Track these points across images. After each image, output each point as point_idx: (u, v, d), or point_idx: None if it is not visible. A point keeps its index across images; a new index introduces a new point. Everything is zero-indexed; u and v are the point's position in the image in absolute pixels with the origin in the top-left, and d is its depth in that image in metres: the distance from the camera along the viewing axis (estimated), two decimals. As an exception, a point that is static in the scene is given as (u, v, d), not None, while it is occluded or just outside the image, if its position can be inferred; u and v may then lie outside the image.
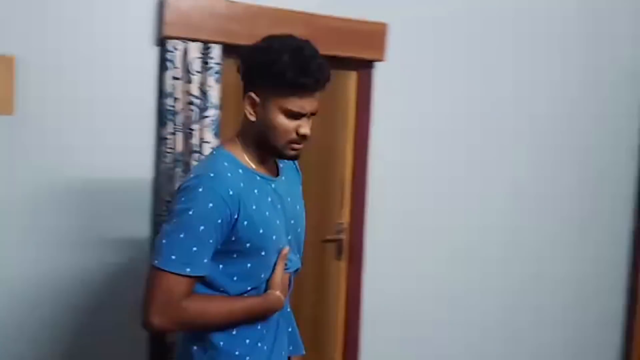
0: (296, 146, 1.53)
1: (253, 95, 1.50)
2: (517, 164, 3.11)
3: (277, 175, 1.64)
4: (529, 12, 3.04)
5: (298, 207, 1.70)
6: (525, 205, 3.16)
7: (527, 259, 3.20)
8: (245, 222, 1.46)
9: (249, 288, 1.53)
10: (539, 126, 3.15)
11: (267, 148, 1.54)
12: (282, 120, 1.49)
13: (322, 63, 1.47)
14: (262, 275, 1.54)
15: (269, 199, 1.55)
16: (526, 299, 3.23)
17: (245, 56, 1.53)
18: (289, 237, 1.62)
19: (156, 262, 1.41)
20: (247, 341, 1.54)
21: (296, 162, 1.75)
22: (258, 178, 1.54)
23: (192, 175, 1.48)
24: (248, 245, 1.48)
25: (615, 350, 3.57)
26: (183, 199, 1.42)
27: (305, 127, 1.51)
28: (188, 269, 1.40)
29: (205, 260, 1.43)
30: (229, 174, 1.46)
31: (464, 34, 2.88)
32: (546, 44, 3.10)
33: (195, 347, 1.54)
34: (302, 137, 1.52)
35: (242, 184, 1.48)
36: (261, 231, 1.49)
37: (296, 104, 1.48)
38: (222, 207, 1.41)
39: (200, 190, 1.41)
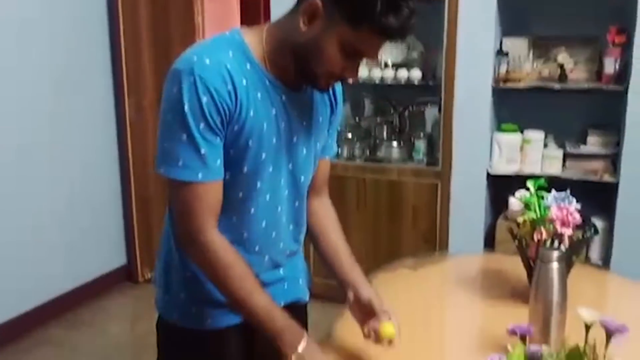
0: (332, 82, 1.27)
1: (319, 4, 1.16)
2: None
3: (298, 89, 1.31)
4: None
5: (305, 123, 1.35)
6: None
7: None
8: (236, 127, 1.20)
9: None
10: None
11: (297, 64, 1.23)
12: (336, 52, 1.17)
13: (414, 9, 1.15)
14: (240, 195, 1.28)
15: (273, 111, 1.26)
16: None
17: None
18: (290, 166, 1.33)
19: (162, 170, 1.20)
20: None
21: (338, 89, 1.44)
22: (267, 82, 1.25)
23: (185, 56, 1.19)
24: (231, 152, 1.23)
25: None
26: (174, 89, 1.17)
27: (354, 72, 1.23)
28: (200, 175, 1.18)
29: (219, 163, 1.20)
30: (227, 65, 1.18)
31: None
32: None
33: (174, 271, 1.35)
34: (344, 79, 1.25)
35: (244, 82, 1.20)
36: (250, 144, 1.23)
37: (364, 43, 1.17)
38: (218, 103, 1.16)
39: (192, 80, 1.15)
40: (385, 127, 3.41)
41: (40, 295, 3.25)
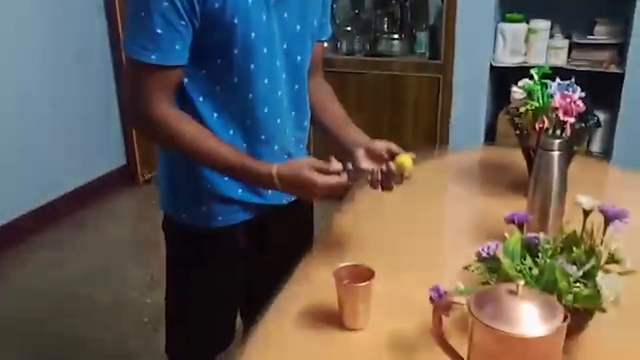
0: None
1: None
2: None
3: None
4: None
5: (286, 14, 1.24)
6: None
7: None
8: (217, 5, 1.13)
9: (215, 115, 1.24)
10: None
11: None
12: None
13: None
14: (235, 79, 1.21)
15: None
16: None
17: None
18: (285, 45, 1.26)
19: (125, 47, 1.18)
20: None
21: None
22: None
23: None
24: (216, 35, 1.16)
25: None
26: None
27: None
28: (153, 56, 1.13)
29: (179, 47, 1.15)
30: None
31: None
32: None
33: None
34: None
35: None
36: (236, 21, 1.15)
37: None
38: None
39: None
40: (386, 19, 3.27)
41: (39, 197, 3.26)
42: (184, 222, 1.36)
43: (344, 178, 1.16)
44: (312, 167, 1.15)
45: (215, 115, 1.25)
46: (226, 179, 1.28)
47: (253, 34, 1.18)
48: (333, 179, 1.15)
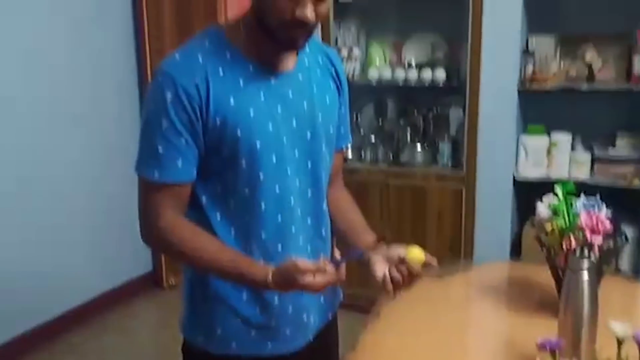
0: (292, 32, 1.16)
1: None
2: (6, 50, 2.91)
3: (291, 68, 1.27)
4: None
5: (306, 104, 1.27)
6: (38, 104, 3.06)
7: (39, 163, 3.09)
8: (219, 121, 1.17)
9: (232, 231, 1.25)
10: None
11: (262, 29, 1.17)
12: None
13: None
14: (246, 191, 1.23)
15: (262, 97, 1.21)
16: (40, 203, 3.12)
17: None
18: (296, 152, 1.26)
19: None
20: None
21: (333, 52, 1.39)
22: (251, 68, 1.21)
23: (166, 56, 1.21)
24: (224, 150, 1.19)
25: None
26: (150, 87, 1.20)
27: (303, 9, 1.11)
28: (156, 174, 1.18)
29: (180, 165, 1.18)
30: (199, 58, 1.17)
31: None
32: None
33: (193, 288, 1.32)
34: (299, 22, 1.13)
35: (221, 72, 1.18)
36: (239, 133, 1.18)
37: None
38: (184, 100, 1.15)
39: (160, 79, 1.17)
40: (408, 130, 3.36)
41: (64, 302, 3.25)
42: (200, 349, 1.33)
43: (329, 274, 1.16)
44: (301, 270, 1.14)
45: (233, 232, 1.26)
46: (244, 298, 1.28)
47: (258, 143, 1.21)
48: (324, 278, 1.15)
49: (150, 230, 1.24)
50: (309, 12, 1.12)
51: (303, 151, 1.28)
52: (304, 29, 1.15)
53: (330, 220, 1.41)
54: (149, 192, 1.22)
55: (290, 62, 1.26)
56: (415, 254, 1.23)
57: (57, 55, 3.16)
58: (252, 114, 1.19)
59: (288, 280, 1.15)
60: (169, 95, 1.15)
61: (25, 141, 3.01)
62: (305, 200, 1.31)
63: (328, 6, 1.19)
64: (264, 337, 1.31)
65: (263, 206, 1.25)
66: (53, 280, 3.17)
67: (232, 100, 1.18)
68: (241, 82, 1.20)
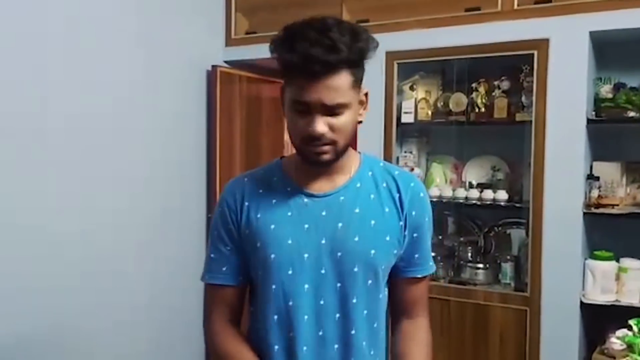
0: (312, 147, 1.23)
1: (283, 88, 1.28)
2: (89, 164, 2.99)
3: (333, 189, 1.32)
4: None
5: (341, 224, 1.29)
6: (99, 205, 3.07)
7: (104, 259, 3.11)
8: (248, 231, 1.33)
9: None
10: (102, 125, 3.07)
11: (296, 152, 1.31)
12: (292, 115, 1.23)
13: (316, 39, 1.14)
14: (266, 306, 1.31)
15: (289, 213, 1.30)
16: (105, 299, 3.12)
17: None
18: (322, 271, 1.28)
19: None
20: None
21: (405, 178, 1.39)
22: (289, 189, 1.33)
23: None
24: (251, 261, 1.34)
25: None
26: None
27: (313, 124, 1.19)
28: (207, 277, 1.38)
29: (225, 269, 1.35)
30: (245, 179, 1.38)
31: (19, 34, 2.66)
32: (103, 45, 3.05)
33: None
34: (313, 137, 1.20)
35: (260, 191, 1.34)
36: (258, 245, 1.30)
37: (297, 89, 1.19)
38: (227, 212, 1.35)
39: (220, 197, 1.40)
40: (469, 248, 3.34)
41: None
42: None
43: None
44: None
45: (277, 347, 1.31)
46: None
47: (272, 256, 1.29)
48: None
49: (204, 330, 1.40)
50: (318, 127, 1.20)
51: (332, 270, 1.29)
52: (321, 142, 1.22)
53: (394, 349, 1.40)
54: (205, 295, 1.40)
55: (332, 184, 1.33)
56: None
57: (137, 169, 3.32)
58: (272, 228, 1.30)
59: None
60: (219, 210, 1.37)
61: (104, 252, 3.11)
62: (331, 323, 1.30)
63: (348, 120, 1.23)
64: None
65: (275, 318, 1.31)
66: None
67: (259, 214, 1.32)
68: (274, 200, 1.33)
